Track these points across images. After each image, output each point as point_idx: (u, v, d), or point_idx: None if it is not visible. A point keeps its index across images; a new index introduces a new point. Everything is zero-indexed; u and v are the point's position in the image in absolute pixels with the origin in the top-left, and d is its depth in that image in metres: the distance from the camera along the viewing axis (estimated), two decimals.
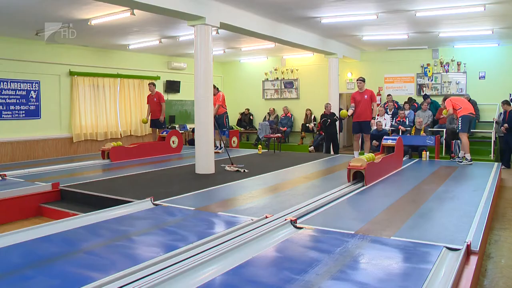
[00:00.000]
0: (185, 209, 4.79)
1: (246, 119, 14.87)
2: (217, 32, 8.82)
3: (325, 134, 11.62)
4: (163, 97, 10.97)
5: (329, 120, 11.18)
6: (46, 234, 3.85)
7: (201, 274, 2.84)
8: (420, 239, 3.62)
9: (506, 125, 9.48)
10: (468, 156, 8.35)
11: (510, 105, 9.70)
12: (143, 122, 11.37)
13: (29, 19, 7.96)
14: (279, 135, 12.10)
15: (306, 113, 13.72)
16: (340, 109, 9.47)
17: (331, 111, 11.48)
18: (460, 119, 8.28)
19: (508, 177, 8.49)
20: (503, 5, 7.35)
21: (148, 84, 11.04)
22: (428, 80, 12.20)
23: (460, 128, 8.30)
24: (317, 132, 12.55)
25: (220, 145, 10.41)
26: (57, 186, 6.11)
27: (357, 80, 9.10)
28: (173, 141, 10.67)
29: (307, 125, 13.52)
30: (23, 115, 10.02)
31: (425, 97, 11.43)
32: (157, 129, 11.06)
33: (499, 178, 7.21)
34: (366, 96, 8.90)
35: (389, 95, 12.18)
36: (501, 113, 10.11)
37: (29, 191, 5.87)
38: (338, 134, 11.96)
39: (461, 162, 8.45)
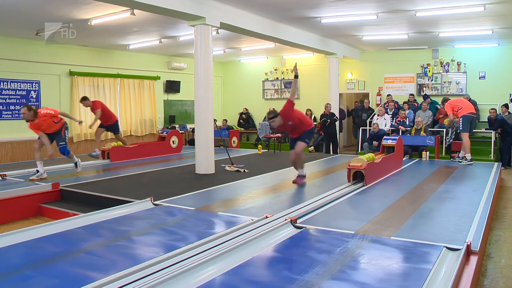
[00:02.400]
0: (185, 209, 4.79)
1: (245, 117, 14.81)
2: (217, 32, 8.83)
3: (325, 134, 11.62)
4: (97, 103, 8.82)
5: (329, 120, 11.19)
6: (46, 234, 3.85)
7: (201, 274, 2.84)
8: (420, 239, 3.62)
9: (499, 129, 9.85)
10: (468, 156, 8.34)
11: (496, 111, 9.98)
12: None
13: (29, 19, 7.96)
14: (279, 135, 12.09)
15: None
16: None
17: (331, 111, 11.49)
18: (460, 119, 8.28)
19: (508, 177, 8.49)
20: (503, 5, 7.35)
21: (80, 102, 8.91)
22: (428, 80, 12.20)
23: (461, 128, 8.31)
24: (317, 132, 12.54)
25: (77, 164, 7.61)
26: (57, 186, 6.12)
27: (269, 120, 6.32)
28: (173, 141, 10.67)
29: None
30: None
31: (425, 97, 11.43)
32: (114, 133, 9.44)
33: (499, 178, 7.21)
34: (290, 123, 6.37)
35: (389, 95, 12.17)
36: (488, 116, 10.20)
37: (29, 191, 5.87)
38: (338, 134, 11.97)
39: (461, 162, 8.46)
